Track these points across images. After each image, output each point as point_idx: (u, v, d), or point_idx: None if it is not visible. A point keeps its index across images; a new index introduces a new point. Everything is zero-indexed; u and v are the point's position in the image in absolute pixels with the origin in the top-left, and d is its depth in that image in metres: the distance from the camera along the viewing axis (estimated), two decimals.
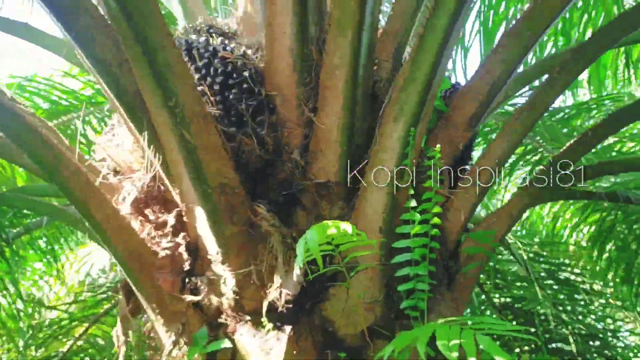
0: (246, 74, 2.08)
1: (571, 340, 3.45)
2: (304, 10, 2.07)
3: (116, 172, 2.35)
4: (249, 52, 2.22)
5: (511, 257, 3.95)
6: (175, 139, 1.90)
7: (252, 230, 2.06)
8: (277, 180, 2.13)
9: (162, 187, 2.19)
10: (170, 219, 2.13)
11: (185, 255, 2.12)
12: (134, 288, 2.21)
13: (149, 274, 2.17)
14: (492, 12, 3.71)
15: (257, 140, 2.06)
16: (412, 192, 1.98)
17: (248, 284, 2.05)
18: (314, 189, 2.11)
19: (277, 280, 1.99)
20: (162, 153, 2.04)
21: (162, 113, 1.87)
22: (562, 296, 3.94)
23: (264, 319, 2.01)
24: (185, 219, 2.14)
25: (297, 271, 1.92)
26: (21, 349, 4.11)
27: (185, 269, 2.15)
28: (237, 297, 2.06)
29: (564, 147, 2.40)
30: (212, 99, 2.07)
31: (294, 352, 1.94)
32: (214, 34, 2.32)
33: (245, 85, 2.08)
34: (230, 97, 2.07)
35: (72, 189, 2.01)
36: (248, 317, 2.07)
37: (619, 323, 4.39)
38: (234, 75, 2.09)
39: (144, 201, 2.19)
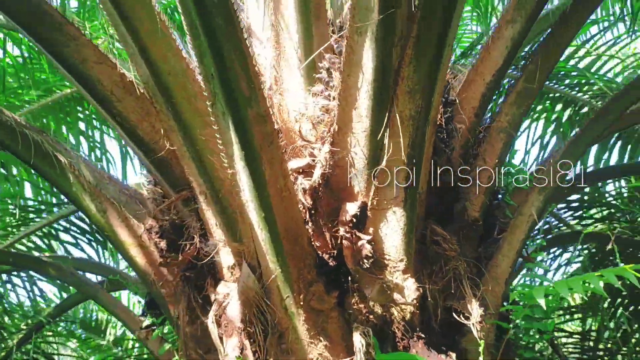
0: None
1: None
2: None
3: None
4: None
5: None
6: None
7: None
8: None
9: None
10: (352, 208, 1.97)
11: (367, 249, 1.94)
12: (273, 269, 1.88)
13: (299, 260, 1.91)
14: None
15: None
16: None
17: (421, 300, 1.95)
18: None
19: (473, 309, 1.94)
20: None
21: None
22: None
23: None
24: (369, 213, 2.02)
25: None
26: None
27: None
28: (415, 310, 1.92)
29: None
30: None
31: None
32: None
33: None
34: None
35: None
36: (421, 335, 1.91)
37: None
38: None
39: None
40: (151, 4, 1.89)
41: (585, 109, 4.10)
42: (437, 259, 2.08)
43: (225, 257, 2.09)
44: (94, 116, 4.21)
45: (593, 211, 4.18)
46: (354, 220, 1.93)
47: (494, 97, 2.85)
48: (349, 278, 1.97)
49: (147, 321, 2.39)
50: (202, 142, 2.00)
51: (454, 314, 2.01)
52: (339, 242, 1.96)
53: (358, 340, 1.79)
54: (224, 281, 2.05)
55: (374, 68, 1.83)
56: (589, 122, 2.60)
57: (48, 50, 2.03)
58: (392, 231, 1.96)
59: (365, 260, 1.91)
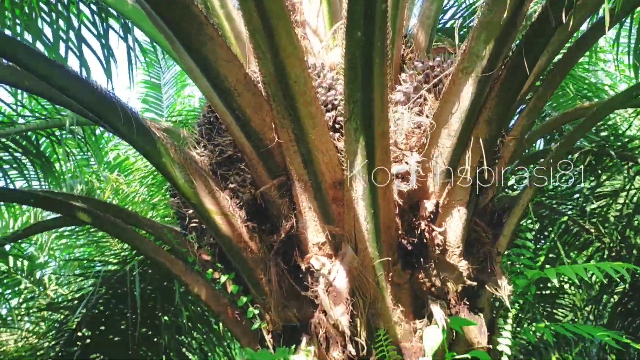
0: None
1: None
2: None
3: None
4: None
5: None
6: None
7: None
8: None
9: None
10: (430, 206, 2.48)
11: (439, 239, 2.48)
12: (371, 253, 2.37)
13: (390, 246, 2.42)
14: None
15: None
16: None
17: None
18: None
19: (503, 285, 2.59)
20: None
21: None
22: None
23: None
24: (440, 210, 2.54)
25: None
26: None
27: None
28: (464, 285, 2.53)
29: None
30: None
31: None
32: None
33: None
34: None
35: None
36: (466, 302, 2.54)
37: None
38: None
39: None
40: (290, 24, 2.13)
41: None
42: (475, 244, 2.69)
43: (313, 235, 2.50)
44: None
45: None
46: (431, 215, 2.46)
47: None
48: (419, 259, 2.50)
49: (222, 277, 2.72)
50: (311, 141, 2.35)
51: (486, 287, 2.65)
52: (416, 231, 2.47)
53: (437, 309, 2.37)
54: (315, 256, 2.48)
55: (471, 100, 2.31)
56: None
57: (185, 45, 2.19)
58: (455, 225, 2.52)
59: (436, 247, 2.47)
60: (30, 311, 6.15)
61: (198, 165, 2.65)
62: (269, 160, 2.49)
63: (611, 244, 5.24)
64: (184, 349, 6.13)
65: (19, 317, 6.10)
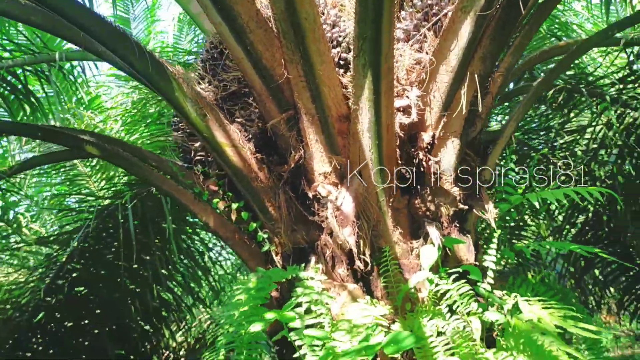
0: None
1: None
2: None
3: None
4: None
5: None
6: None
7: None
8: None
9: None
10: (427, 137, 2.70)
11: (434, 168, 2.70)
12: (375, 180, 2.60)
13: (391, 174, 2.64)
14: None
15: None
16: None
17: None
18: None
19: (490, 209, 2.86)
20: None
21: None
22: None
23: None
24: (436, 141, 2.75)
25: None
26: None
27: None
28: (455, 208, 2.79)
29: None
30: None
31: None
32: None
33: None
34: None
35: None
36: (457, 224, 2.81)
37: None
38: None
39: None
40: None
41: None
42: (465, 172, 2.93)
43: (319, 165, 2.70)
44: None
45: None
46: (428, 146, 2.68)
47: None
48: (417, 186, 2.75)
49: (234, 205, 2.92)
50: (319, 76, 2.51)
51: (473, 210, 2.93)
52: (414, 160, 2.70)
53: (433, 230, 2.63)
54: (322, 184, 2.69)
55: (468, 38, 2.49)
56: None
57: None
58: (449, 154, 2.76)
59: (432, 175, 2.71)
60: (20, 245, 6.27)
61: (208, 100, 2.78)
62: (278, 95, 2.64)
63: (577, 177, 5.63)
64: (170, 282, 6.40)
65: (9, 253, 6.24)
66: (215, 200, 3.09)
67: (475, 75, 2.62)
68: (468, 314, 2.41)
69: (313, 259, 2.70)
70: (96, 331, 5.89)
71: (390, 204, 2.66)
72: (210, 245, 7.01)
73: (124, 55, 2.53)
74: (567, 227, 6.38)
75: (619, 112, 5.31)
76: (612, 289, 6.72)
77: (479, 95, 2.62)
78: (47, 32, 2.94)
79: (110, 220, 5.46)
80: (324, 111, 2.57)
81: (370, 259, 2.61)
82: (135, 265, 5.80)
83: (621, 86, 5.05)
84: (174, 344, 7.49)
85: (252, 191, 2.84)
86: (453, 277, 2.48)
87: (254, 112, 2.84)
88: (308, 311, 2.42)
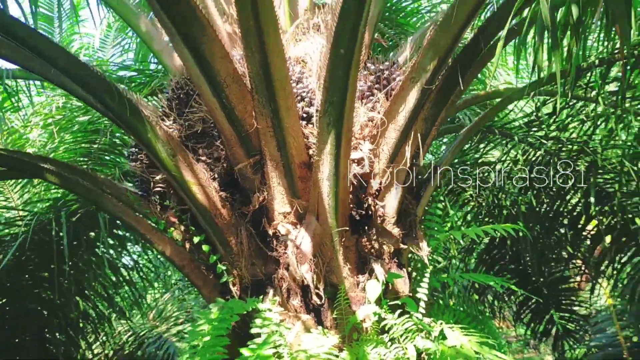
0: None
1: None
2: None
3: None
4: None
5: None
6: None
7: None
8: None
9: None
10: (375, 185, 3.07)
11: (381, 211, 3.07)
12: (331, 223, 2.93)
13: (344, 216, 2.99)
14: None
15: None
16: None
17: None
18: None
19: (423, 247, 3.28)
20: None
21: None
22: None
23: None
24: (382, 188, 3.12)
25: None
26: None
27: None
28: (396, 246, 3.19)
29: None
30: None
31: None
32: None
33: None
34: None
35: None
36: (396, 260, 3.20)
37: None
38: None
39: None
40: (277, 27, 2.53)
41: None
42: (404, 214, 3.34)
43: (280, 206, 2.99)
44: None
45: None
46: (376, 192, 3.05)
47: None
48: (364, 227, 3.10)
49: (196, 238, 3.13)
50: (286, 128, 2.81)
51: (411, 248, 3.33)
52: (364, 204, 3.06)
53: (379, 267, 3.00)
54: (281, 223, 2.97)
55: (414, 104, 2.89)
56: None
57: (186, 41, 2.50)
58: (392, 199, 3.15)
59: (378, 218, 3.08)
60: None
61: (178, 141, 2.99)
62: (246, 142, 2.91)
63: (486, 205, 6.31)
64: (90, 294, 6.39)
65: None
66: (171, 230, 3.29)
67: (418, 134, 3.03)
68: (404, 341, 2.80)
69: (271, 291, 2.98)
70: (17, 340, 5.79)
71: (342, 243, 3.00)
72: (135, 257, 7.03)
73: (102, 99, 2.69)
74: (475, 246, 7.08)
75: (524, 149, 6.03)
76: (509, 302, 7.46)
77: (421, 150, 3.03)
78: (15, 64, 3.00)
79: (40, 232, 5.40)
80: (288, 158, 2.86)
81: (323, 293, 2.93)
82: (60, 278, 5.76)
83: (527, 129, 5.74)
84: (90, 356, 7.43)
85: (214, 227, 3.07)
86: (398, 311, 2.85)
87: (218, 152, 3.07)
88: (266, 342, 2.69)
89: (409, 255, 3.57)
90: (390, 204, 3.14)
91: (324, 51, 3.16)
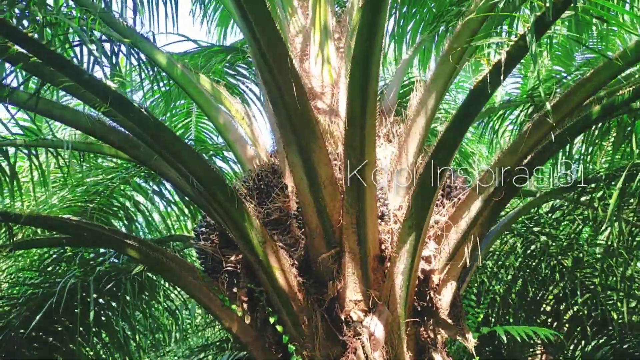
0: None
1: None
2: None
3: None
4: None
5: None
6: None
7: None
8: None
9: None
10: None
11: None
12: (400, 313, 3.26)
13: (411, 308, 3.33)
14: None
15: None
16: None
17: None
18: None
19: None
20: None
21: None
22: None
23: None
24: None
25: None
26: None
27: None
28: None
29: None
30: None
31: None
32: None
33: None
34: None
35: None
36: (447, 350, 3.53)
37: None
38: None
39: None
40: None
41: None
42: (454, 307, 3.70)
43: (352, 294, 3.32)
44: None
45: None
46: (436, 287, 3.43)
47: None
48: (424, 317, 3.45)
49: (272, 319, 3.41)
50: (368, 226, 3.18)
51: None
52: (425, 297, 3.42)
53: (438, 357, 3.32)
54: (353, 310, 3.29)
55: (477, 211, 3.34)
56: None
57: (300, 153, 2.93)
58: (448, 293, 3.52)
59: (437, 309, 3.44)
60: None
61: (266, 229, 3.33)
62: (328, 235, 3.27)
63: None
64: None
65: None
66: (234, 307, 3.56)
67: (477, 237, 3.45)
68: None
69: None
70: None
71: (407, 332, 3.32)
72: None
73: (215, 193, 3.04)
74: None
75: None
76: None
77: (479, 251, 3.45)
78: (124, 151, 3.33)
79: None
80: (365, 252, 3.23)
81: None
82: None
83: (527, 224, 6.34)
84: None
85: (290, 309, 3.36)
86: None
87: (291, 239, 3.42)
88: None
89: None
90: (445, 298, 3.51)
91: (393, 157, 3.63)
